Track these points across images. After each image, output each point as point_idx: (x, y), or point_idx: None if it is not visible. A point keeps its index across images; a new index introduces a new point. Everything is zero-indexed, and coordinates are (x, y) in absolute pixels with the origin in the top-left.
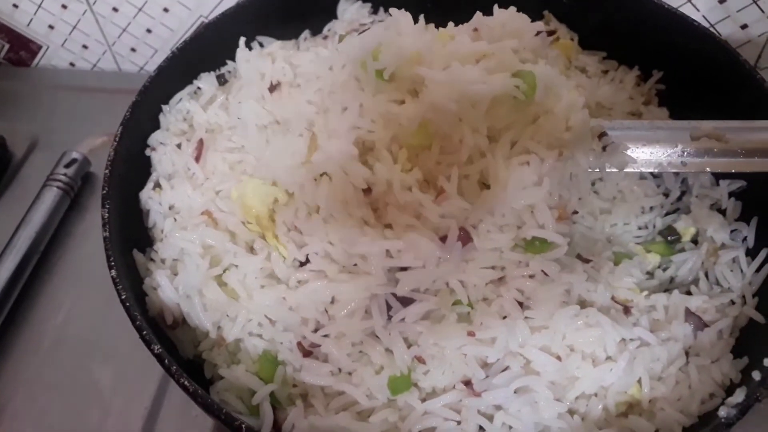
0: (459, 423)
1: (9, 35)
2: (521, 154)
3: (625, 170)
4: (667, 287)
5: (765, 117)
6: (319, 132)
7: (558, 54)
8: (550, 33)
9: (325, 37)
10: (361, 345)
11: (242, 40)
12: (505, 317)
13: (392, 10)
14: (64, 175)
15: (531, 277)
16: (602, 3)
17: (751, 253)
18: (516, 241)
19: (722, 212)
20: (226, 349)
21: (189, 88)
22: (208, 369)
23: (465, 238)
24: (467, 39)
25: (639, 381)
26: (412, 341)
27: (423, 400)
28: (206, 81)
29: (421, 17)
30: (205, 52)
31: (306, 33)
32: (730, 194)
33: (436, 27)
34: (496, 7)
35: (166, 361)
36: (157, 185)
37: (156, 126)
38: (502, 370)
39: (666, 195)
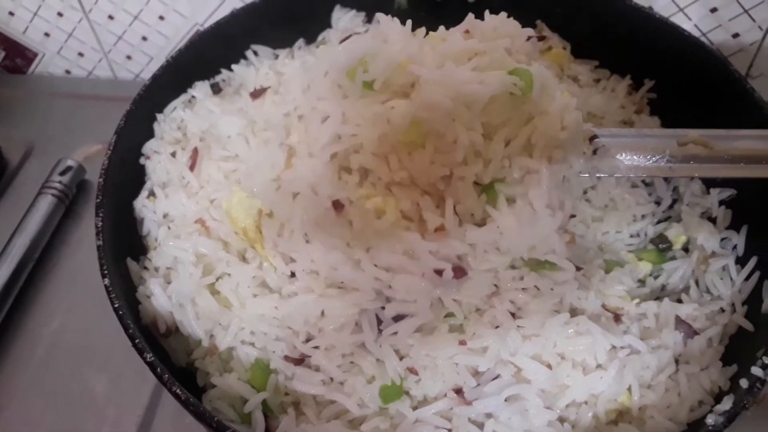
0: (450, 431)
1: (5, 43)
2: (516, 155)
3: (615, 175)
4: (658, 295)
5: (754, 126)
6: (298, 144)
7: (550, 64)
8: (541, 38)
9: (319, 46)
10: (352, 356)
11: None
12: (497, 327)
13: (379, 15)
14: (59, 182)
15: (524, 290)
16: (595, 12)
17: (740, 261)
18: (513, 261)
19: (713, 220)
20: (219, 357)
21: (183, 97)
22: (200, 377)
23: (460, 272)
24: (459, 37)
25: (629, 389)
26: (404, 353)
27: (414, 409)
28: (200, 89)
29: (408, 22)
30: (199, 61)
31: (300, 41)
32: (721, 203)
33: (428, 32)
34: (487, 12)
35: (159, 369)
36: (152, 194)
37: (150, 134)
38: (493, 379)
39: (657, 203)
